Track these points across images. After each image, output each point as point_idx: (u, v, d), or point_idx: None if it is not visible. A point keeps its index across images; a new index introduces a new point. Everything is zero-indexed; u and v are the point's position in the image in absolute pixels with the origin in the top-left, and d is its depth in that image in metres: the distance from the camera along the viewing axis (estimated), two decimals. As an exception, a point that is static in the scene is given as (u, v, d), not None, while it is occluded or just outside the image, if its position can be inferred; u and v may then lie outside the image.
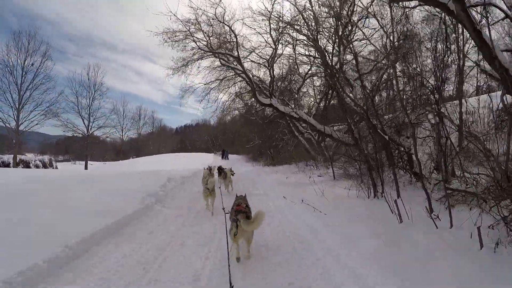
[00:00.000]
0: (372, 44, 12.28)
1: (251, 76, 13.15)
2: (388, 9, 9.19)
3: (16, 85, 20.54)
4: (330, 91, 17.05)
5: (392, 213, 5.29)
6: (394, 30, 9.06)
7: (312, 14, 11.56)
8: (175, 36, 11.61)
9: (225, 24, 12.09)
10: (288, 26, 13.35)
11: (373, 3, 10.23)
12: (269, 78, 17.07)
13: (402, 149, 8.61)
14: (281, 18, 13.00)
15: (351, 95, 11.43)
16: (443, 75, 7.67)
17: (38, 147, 50.44)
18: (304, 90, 20.25)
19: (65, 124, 26.13)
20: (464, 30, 7.39)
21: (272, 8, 12.45)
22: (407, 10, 9.03)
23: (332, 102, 17.73)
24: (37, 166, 24.38)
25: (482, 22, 6.00)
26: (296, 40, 14.15)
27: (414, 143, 6.28)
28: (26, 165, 23.34)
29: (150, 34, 11.78)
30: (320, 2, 11.28)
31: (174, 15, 11.37)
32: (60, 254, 3.55)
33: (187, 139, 62.86)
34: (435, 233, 4.21)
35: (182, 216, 6.04)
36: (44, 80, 21.69)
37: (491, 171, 4.62)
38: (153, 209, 6.31)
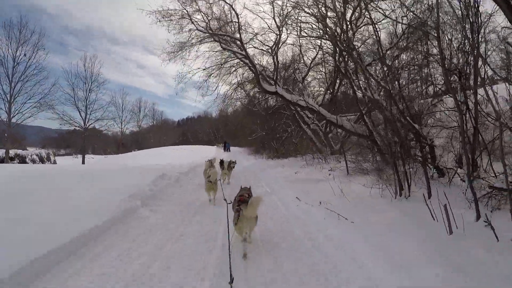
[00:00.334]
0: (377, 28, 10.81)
1: (254, 62, 11.69)
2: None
3: (7, 76, 19.17)
4: (338, 79, 15.68)
5: (434, 219, 4.16)
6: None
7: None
8: (170, 16, 10.16)
9: (226, 2, 10.63)
10: (293, 10, 11.93)
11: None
12: (273, 66, 15.80)
13: (424, 140, 7.34)
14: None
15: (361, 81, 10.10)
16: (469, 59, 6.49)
17: (40, 141, 49.25)
18: (309, 79, 18.82)
19: (61, 117, 24.67)
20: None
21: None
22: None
23: (340, 90, 16.38)
24: (33, 161, 23.13)
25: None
26: (302, 23, 12.69)
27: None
28: (22, 159, 22.11)
29: (143, 14, 10.35)
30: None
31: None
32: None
33: (189, 131, 61.42)
34: (499, 249, 3.09)
35: (172, 225, 4.72)
36: (36, 71, 20.21)
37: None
38: (135, 215, 4.98)
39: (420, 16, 8.16)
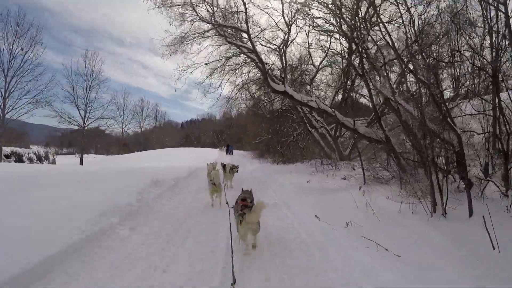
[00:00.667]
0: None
1: (261, 57, 10.49)
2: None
3: (2, 70, 18.09)
4: (350, 81, 14.48)
5: (494, 249, 3.29)
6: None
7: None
8: (171, 2, 8.99)
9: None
10: (303, 5, 10.78)
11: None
12: (280, 67, 14.65)
13: (451, 147, 6.19)
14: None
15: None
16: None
17: (44, 139, 48.48)
18: (316, 81, 17.61)
19: (59, 115, 23.49)
20: None
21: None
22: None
23: (351, 93, 15.19)
24: (30, 159, 22.00)
25: None
26: (314, 18, 11.52)
27: None
28: (19, 158, 21.01)
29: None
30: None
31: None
32: None
33: (192, 134, 60.22)
34: None
35: (158, 251, 3.48)
36: (32, 65, 19.11)
37: None
38: (112, 236, 3.74)
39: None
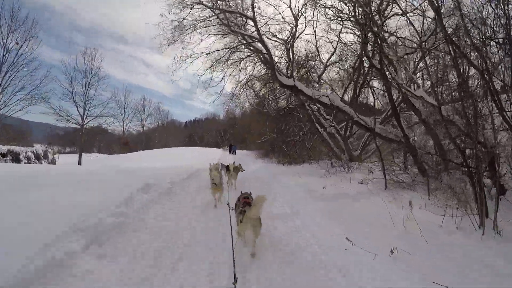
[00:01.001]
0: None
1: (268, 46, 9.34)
2: None
3: (-5, 65, 17.12)
4: (362, 76, 13.31)
5: None
6: None
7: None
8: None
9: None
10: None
11: None
12: (286, 62, 13.58)
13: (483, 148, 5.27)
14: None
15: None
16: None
17: (47, 138, 47.52)
18: (323, 80, 16.48)
19: (57, 112, 22.42)
20: None
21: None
22: None
23: (364, 89, 14.03)
24: (28, 158, 20.98)
25: None
26: (325, 7, 10.38)
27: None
28: (16, 156, 20.02)
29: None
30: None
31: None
32: None
33: (196, 133, 59.05)
34: None
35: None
36: (27, 60, 18.04)
37: None
38: (67, 270, 2.63)
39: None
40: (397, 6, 8.93)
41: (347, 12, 9.88)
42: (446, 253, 3.41)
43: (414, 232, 4.00)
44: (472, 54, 4.83)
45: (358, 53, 12.58)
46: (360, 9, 8.65)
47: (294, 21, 11.98)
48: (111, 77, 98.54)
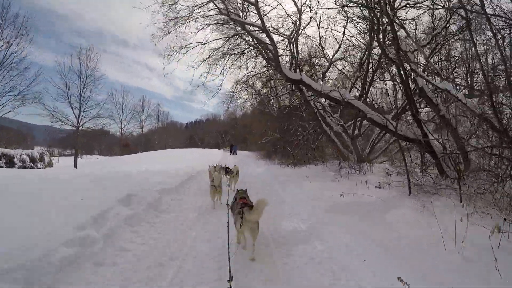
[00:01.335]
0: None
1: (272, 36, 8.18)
2: None
3: (-18, 65, 16.00)
4: (371, 70, 12.17)
5: None
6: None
7: None
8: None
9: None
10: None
11: None
12: (290, 57, 12.45)
13: None
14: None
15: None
16: None
17: (48, 141, 46.43)
18: (327, 78, 15.35)
19: (51, 114, 21.23)
20: None
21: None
22: None
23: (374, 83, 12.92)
24: (23, 161, 19.86)
25: None
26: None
27: None
28: (10, 160, 18.91)
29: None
30: None
31: None
32: None
33: (196, 134, 57.71)
34: None
35: None
36: (17, 59, 16.87)
37: None
38: None
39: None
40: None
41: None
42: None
43: (477, 259, 2.88)
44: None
45: (366, 45, 11.51)
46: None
47: (297, 14, 10.94)
48: (116, 81, 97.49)
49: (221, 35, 8.80)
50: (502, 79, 8.69)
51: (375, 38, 9.34)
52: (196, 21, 8.04)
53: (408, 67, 7.48)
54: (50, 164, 23.17)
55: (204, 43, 8.45)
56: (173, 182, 7.02)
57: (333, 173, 9.73)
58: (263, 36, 8.30)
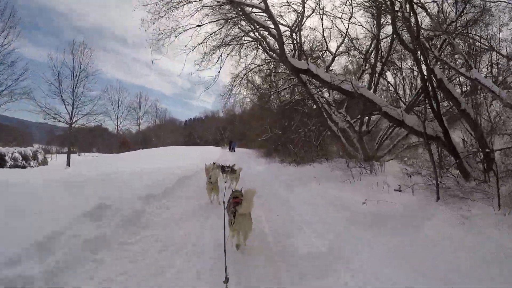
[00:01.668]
0: None
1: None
2: None
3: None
4: (380, 63, 11.09)
5: None
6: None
7: None
8: None
9: None
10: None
11: None
12: (293, 48, 11.39)
13: None
14: None
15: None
16: None
17: (46, 138, 45.16)
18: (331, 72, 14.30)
19: (43, 110, 19.96)
20: None
21: None
22: None
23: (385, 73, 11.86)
24: (15, 160, 18.70)
25: None
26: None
27: None
28: (1, 158, 17.77)
29: None
30: None
31: None
32: None
33: (195, 131, 56.30)
34: None
35: None
36: (4, 53, 15.59)
37: None
38: None
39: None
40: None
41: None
42: None
43: None
44: None
45: (374, 35, 10.47)
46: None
47: (301, 3, 9.89)
48: (114, 79, 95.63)
49: (218, 20, 7.63)
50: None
51: (390, 22, 8.27)
52: (190, 3, 6.90)
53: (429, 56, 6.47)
54: (44, 162, 21.99)
55: (199, 26, 7.29)
56: (163, 185, 5.92)
57: (340, 172, 8.71)
58: (265, 21, 7.19)
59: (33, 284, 2.14)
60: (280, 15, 10.13)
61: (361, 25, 11.00)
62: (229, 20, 7.51)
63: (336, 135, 11.20)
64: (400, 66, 11.54)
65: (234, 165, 8.30)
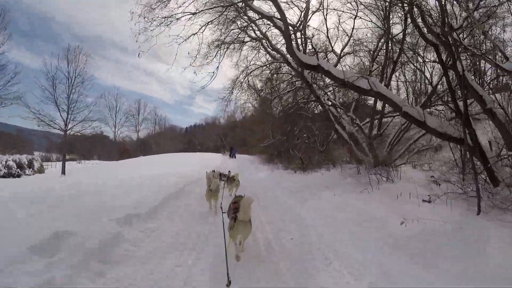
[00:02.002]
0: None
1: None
2: None
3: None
4: (392, 62, 10.16)
5: None
6: None
7: None
8: None
9: None
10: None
11: None
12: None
13: None
14: None
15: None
16: None
17: (46, 146, 44.13)
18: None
19: (37, 117, 18.91)
20: None
21: None
22: None
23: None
24: (9, 168, 17.66)
25: None
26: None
27: None
28: (-6, 167, 16.77)
29: None
30: None
31: None
32: None
33: (196, 138, 55.23)
34: None
35: None
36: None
37: None
38: None
39: None
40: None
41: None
42: None
43: None
44: None
45: (385, 30, 9.58)
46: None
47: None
48: (113, 86, 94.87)
49: (215, 7, 6.67)
50: None
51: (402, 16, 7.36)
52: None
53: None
54: (40, 171, 20.88)
55: (194, 13, 6.32)
56: (147, 203, 4.82)
57: (353, 179, 7.70)
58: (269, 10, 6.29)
59: None
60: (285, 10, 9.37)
61: (371, 21, 10.14)
62: (229, 8, 6.57)
63: (343, 139, 10.22)
64: (418, 61, 10.52)
65: (230, 171, 8.11)
